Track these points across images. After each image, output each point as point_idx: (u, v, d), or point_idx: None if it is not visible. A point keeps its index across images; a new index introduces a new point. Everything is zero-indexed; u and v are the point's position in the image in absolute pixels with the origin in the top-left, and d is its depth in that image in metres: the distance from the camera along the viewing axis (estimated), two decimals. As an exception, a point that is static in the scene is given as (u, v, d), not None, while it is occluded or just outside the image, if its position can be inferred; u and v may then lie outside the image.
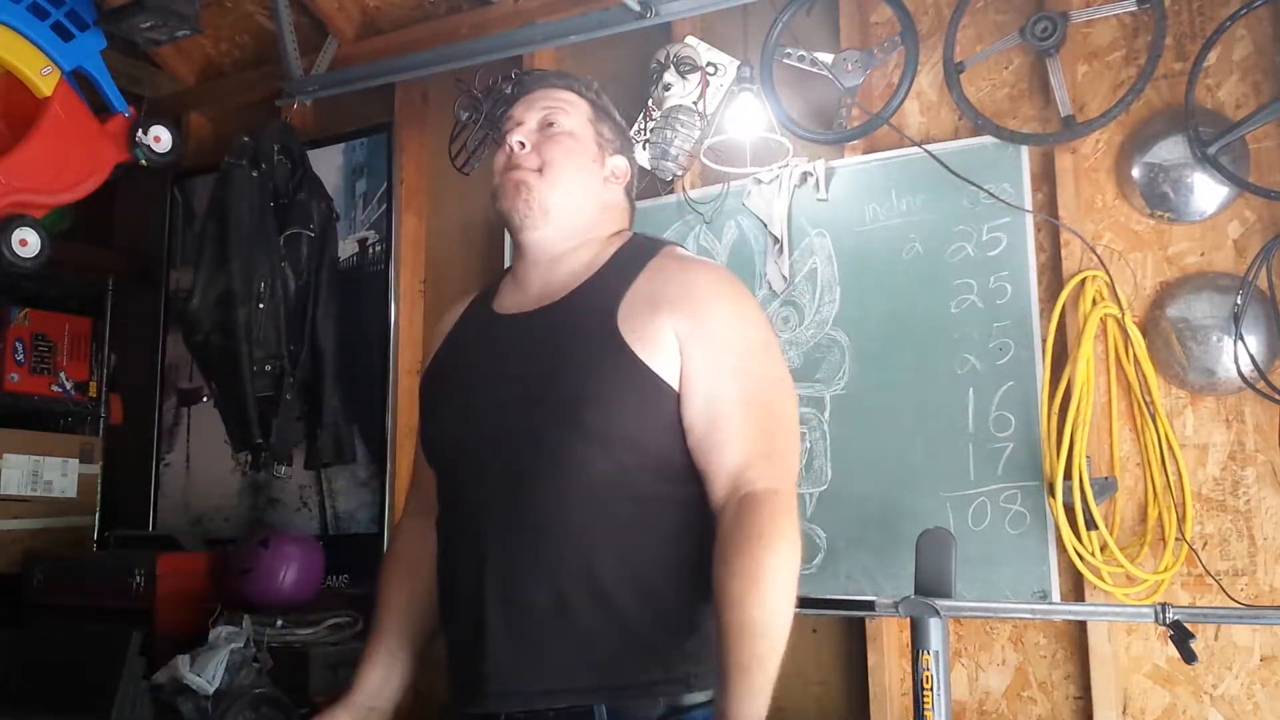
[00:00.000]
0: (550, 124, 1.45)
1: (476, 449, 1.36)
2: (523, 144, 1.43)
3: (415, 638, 1.52)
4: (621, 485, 1.30)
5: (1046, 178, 2.44)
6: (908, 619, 2.12)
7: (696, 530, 1.33)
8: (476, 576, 1.32)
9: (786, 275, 2.64)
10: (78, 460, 3.50)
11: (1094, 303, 2.33)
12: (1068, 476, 2.24)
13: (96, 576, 3.04)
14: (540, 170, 1.42)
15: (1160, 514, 2.26)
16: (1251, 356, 2.21)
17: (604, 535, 1.30)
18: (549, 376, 1.34)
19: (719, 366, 1.31)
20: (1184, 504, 2.24)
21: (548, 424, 1.31)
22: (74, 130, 2.93)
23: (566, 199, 1.43)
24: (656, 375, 1.30)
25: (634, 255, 1.41)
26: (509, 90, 2.73)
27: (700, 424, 1.31)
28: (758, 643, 1.20)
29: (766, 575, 1.22)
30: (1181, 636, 1.96)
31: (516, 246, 1.47)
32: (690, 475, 1.33)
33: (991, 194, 2.44)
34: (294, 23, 3.25)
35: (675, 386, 1.31)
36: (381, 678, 1.50)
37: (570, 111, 1.46)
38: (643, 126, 2.75)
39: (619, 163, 1.50)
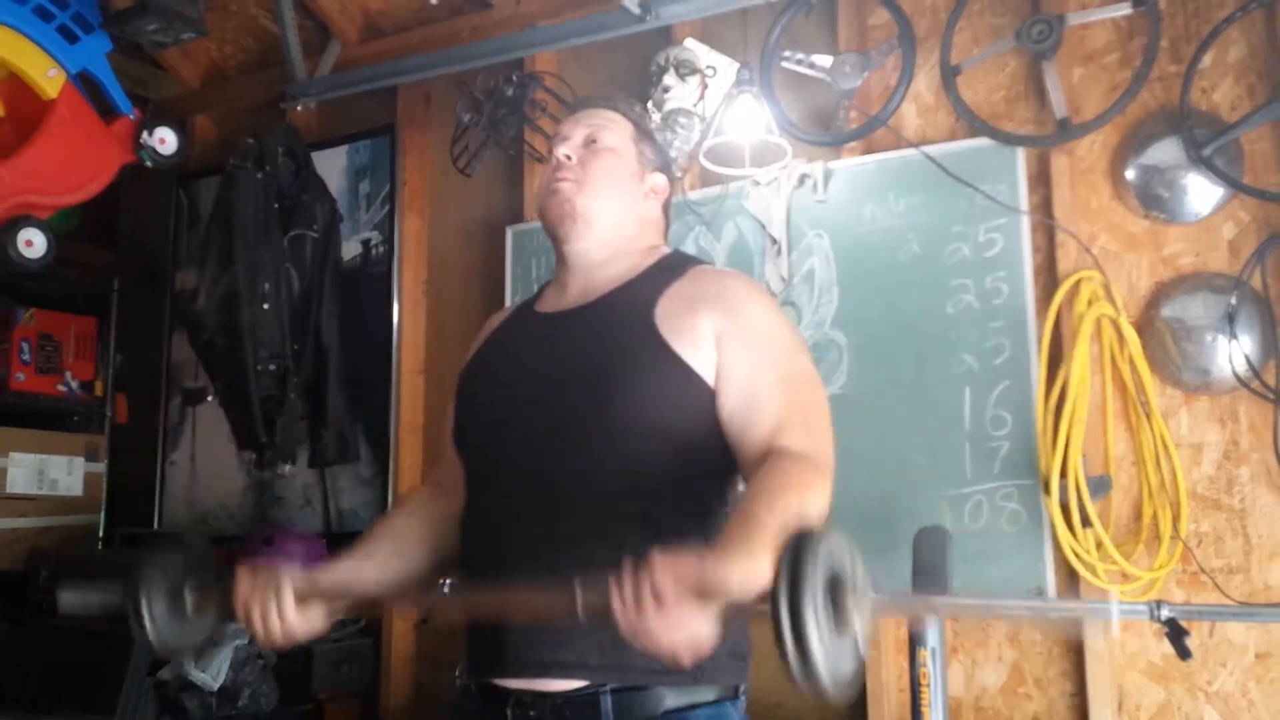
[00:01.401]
0: (594, 140, 1.52)
1: (509, 432, 1.41)
2: (569, 156, 1.51)
3: (393, 559, 1.49)
4: (650, 471, 1.33)
5: (1042, 179, 2.46)
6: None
7: (718, 525, 1.37)
8: (505, 553, 1.36)
9: (785, 276, 2.66)
10: (83, 459, 3.52)
11: (1089, 303, 2.35)
12: (1063, 475, 2.25)
13: (102, 574, 3.05)
14: (581, 181, 1.49)
15: (1155, 512, 2.28)
16: (1246, 356, 2.22)
17: (630, 517, 1.32)
18: (584, 364, 1.39)
19: (758, 357, 1.36)
20: (1179, 502, 2.25)
21: (583, 408, 1.35)
22: (79, 132, 2.95)
23: (607, 211, 1.49)
24: (690, 368, 1.35)
25: (672, 265, 1.49)
26: (510, 93, 2.76)
27: (740, 408, 1.34)
28: (768, 520, 1.12)
29: (794, 492, 1.19)
30: (1176, 633, 1.97)
31: (559, 256, 1.53)
32: (717, 470, 1.37)
33: (988, 195, 2.46)
34: (297, 26, 3.27)
35: (710, 381, 1.35)
36: (340, 575, 1.45)
37: (614, 130, 1.53)
38: (643, 128, 2.76)
39: (658, 180, 1.57)
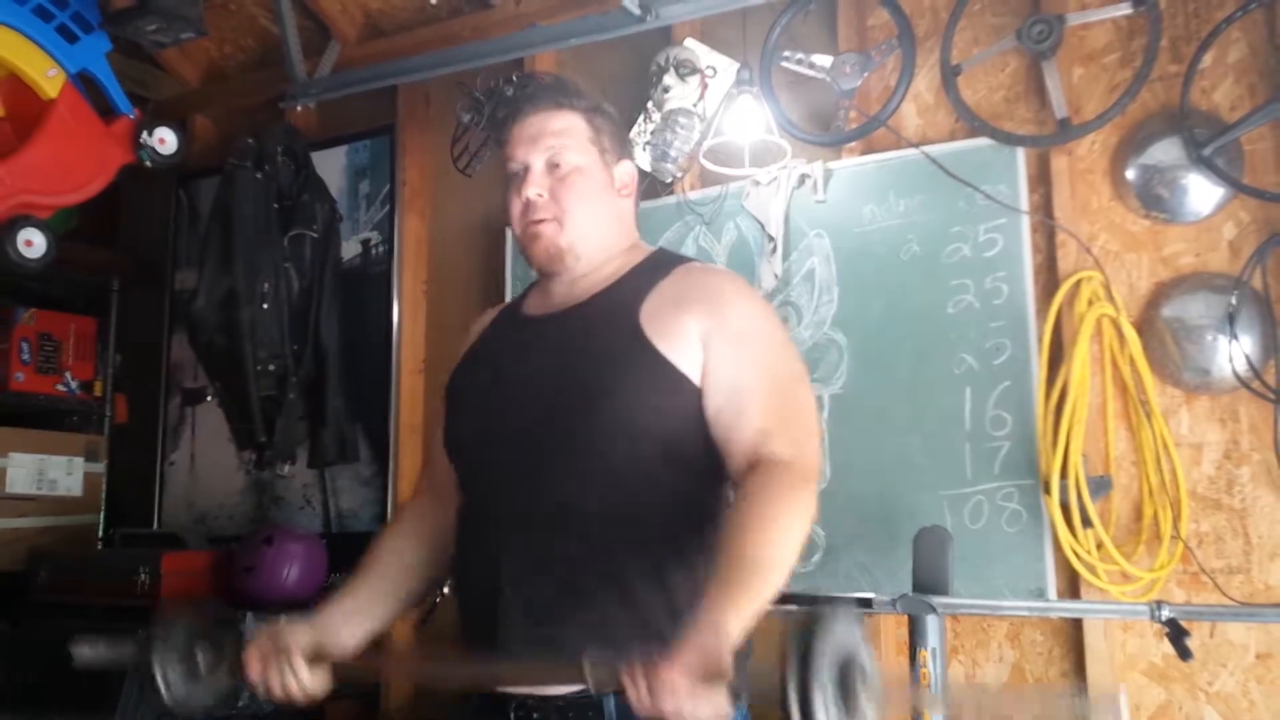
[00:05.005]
0: (557, 165, 1.44)
1: (499, 439, 1.41)
2: (540, 194, 1.44)
3: (390, 598, 1.53)
4: (640, 474, 1.34)
5: (1042, 179, 2.46)
6: (905, 616, 2.14)
7: (711, 524, 1.37)
8: (494, 561, 1.35)
9: (779, 274, 2.66)
10: (83, 459, 3.52)
11: (1090, 303, 2.35)
12: (1063, 475, 2.26)
13: (101, 575, 3.05)
14: (561, 219, 1.44)
15: (1156, 512, 2.28)
16: (1246, 356, 2.22)
17: (621, 522, 1.33)
18: (572, 369, 1.39)
19: (745, 358, 1.36)
20: (1179, 502, 2.25)
21: (570, 413, 1.35)
22: (79, 132, 2.94)
23: (591, 235, 1.46)
24: (677, 369, 1.35)
25: (656, 265, 1.47)
26: (510, 93, 2.75)
27: (725, 409, 1.34)
28: (751, 575, 1.19)
29: (777, 523, 1.23)
30: (1177, 634, 1.97)
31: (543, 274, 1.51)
32: (708, 469, 1.37)
33: (988, 195, 2.46)
34: (297, 25, 3.27)
35: (696, 381, 1.35)
36: (340, 622, 1.49)
37: (572, 140, 1.45)
38: (642, 129, 2.76)
39: (625, 171, 1.51)
